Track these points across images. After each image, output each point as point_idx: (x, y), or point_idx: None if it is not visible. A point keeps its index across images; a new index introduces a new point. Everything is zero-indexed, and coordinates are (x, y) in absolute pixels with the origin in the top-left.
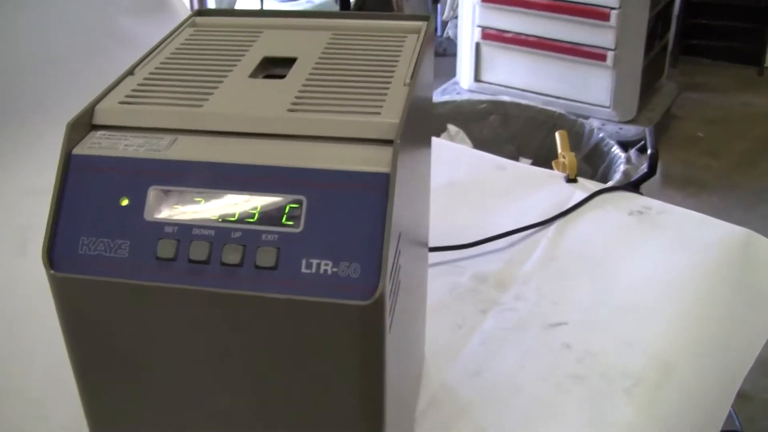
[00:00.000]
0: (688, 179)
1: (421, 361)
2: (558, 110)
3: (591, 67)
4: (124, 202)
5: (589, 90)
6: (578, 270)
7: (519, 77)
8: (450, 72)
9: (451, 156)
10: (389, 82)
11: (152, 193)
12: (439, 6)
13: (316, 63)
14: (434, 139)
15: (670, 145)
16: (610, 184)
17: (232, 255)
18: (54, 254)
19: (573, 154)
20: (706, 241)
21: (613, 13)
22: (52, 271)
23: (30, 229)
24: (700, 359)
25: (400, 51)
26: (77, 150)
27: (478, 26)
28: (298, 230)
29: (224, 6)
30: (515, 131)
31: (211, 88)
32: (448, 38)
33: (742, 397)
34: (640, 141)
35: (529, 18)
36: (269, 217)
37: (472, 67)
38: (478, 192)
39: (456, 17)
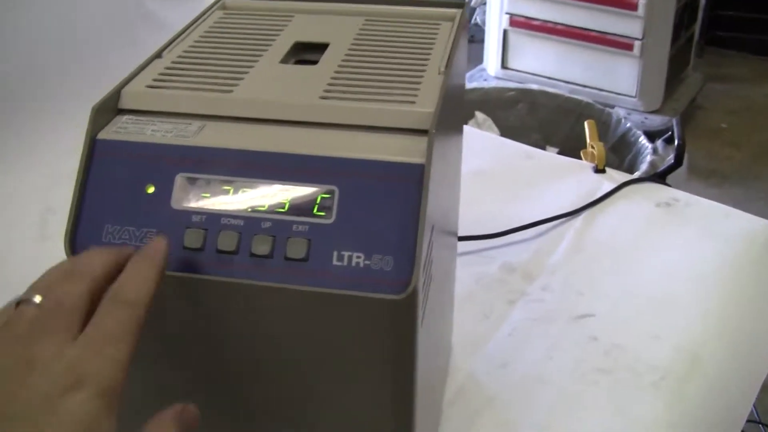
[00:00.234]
0: (711, 170)
1: (448, 351)
2: (585, 99)
3: (618, 56)
4: (150, 190)
5: (615, 79)
6: (605, 261)
7: (546, 65)
8: (477, 58)
9: (478, 144)
10: (424, 70)
11: (179, 180)
12: None
13: (349, 49)
14: None
15: (694, 136)
16: (637, 174)
17: (261, 246)
18: (76, 241)
19: (602, 144)
20: (732, 233)
21: (641, 3)
22: None
23: (51, 213)
24: (726, 352)
25: (434, 38)
26: (102, 135)
27: (507, 13)
28: (330, 221)
29: None
30: (542, 120)
31: (241, 73)
32: (476, 24)
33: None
34: (665, 131)
35: (557, 6)
36: (300, 207)
37: (500, 54)
38: (506, 181)
39: (484, 3)
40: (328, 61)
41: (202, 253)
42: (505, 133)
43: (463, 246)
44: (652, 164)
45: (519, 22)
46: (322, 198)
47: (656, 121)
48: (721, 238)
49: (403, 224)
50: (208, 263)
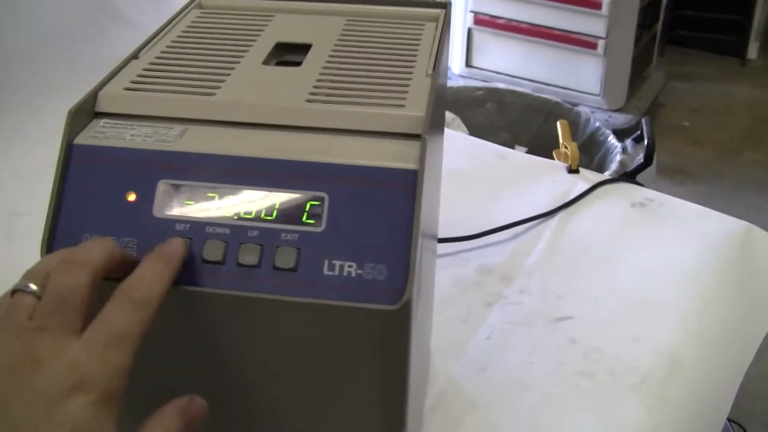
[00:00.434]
0: (675, 168)
1: (428, 356)
2: (554, 98)
3: (582, 55)
4: (131, 197)
5: (579, 78)
6: (582, 263)
7: (510, 64)
8: None
9: (450, 144)
10: (411, 72)
11: (161, 187)
12: None
13: (332, 50)
14: None
15: (658, 134)
16: (607, 174)
17: (249, 255)
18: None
19: (575, 144)
20: (708, 234)
21: (605, 2)
22: None
23: (16, 214)
24: (706, 353)
25: (419, 39)
26: (79, 139)
27: (471, 11)
28: (320, 229)
29: None
30: (511, 119)
31: (222, 75)
32: None
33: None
34: (629, 129)
35: (521, 4)
36: (289, 215)
37: (464, 52)
38: (480, 181)
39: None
40: (312, 62)
41: (187, 264)
42: (474, 132)
43: (439, 248)
44: (621, 163)
45: (483, 20)
46: (312, 205)
47: (620, 119)
48: (697, 239)
49: (396, 232)
50: (193, 274)
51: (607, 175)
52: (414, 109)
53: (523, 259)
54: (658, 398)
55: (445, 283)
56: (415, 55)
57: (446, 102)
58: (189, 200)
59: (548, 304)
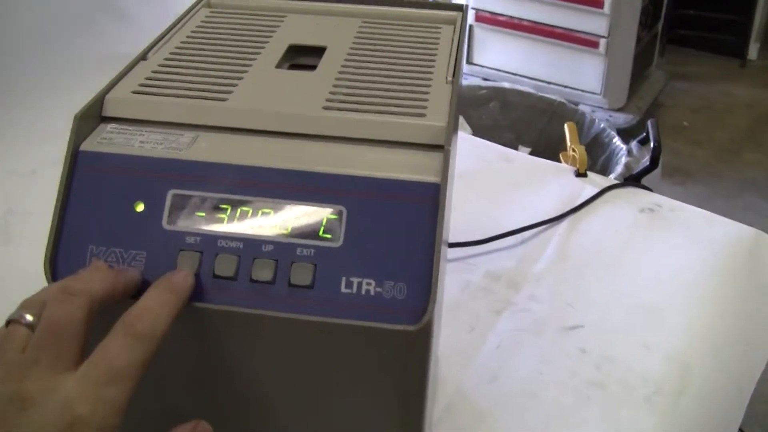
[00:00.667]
0: (675, 168)
1: (438, 365)
2: (558, 98)
3: (583, 54)
4: (140, 208)
5: (581, 76)
6: (591, 269)
7: (511, 61)
8: None
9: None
10: (430, 78)
11: (172, 197)
12: None
13: (348, 54)
14: None
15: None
16: (612, 176)
17: (262, 271)
18: (58, 265)
19: (583, 147)
20: (718, 240)
21: (607, 1)
22: None
23: (12, 214)
24: (717, 362)
25: (436, 43)
26: (86, 146)
27: (472, 8)
28: (337, 245)
29: None
30: (515, 119)
31: (234, 78)
32: None
33: None
34: (629, 129)
35: (523, 2)
36: (305, 229)
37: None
38: (486, 184)
39: None
40: (327, 66)
41: (198, 279)
42: (477, 132)
43: (447, 253)
44: (627, 166)
45: (485, 17)
46: (329, 219)
47: (620, 119)
48: (706, 246)
49: (417, 248)
50: (204, 289)
51: (612, 177)
52: (435, 118)
53: (532, 265)
54: (670, 409)
55: (453, 289)
56: (433, 60)
57: (461, 105)
58: (200, 212)
59: (558, 312)
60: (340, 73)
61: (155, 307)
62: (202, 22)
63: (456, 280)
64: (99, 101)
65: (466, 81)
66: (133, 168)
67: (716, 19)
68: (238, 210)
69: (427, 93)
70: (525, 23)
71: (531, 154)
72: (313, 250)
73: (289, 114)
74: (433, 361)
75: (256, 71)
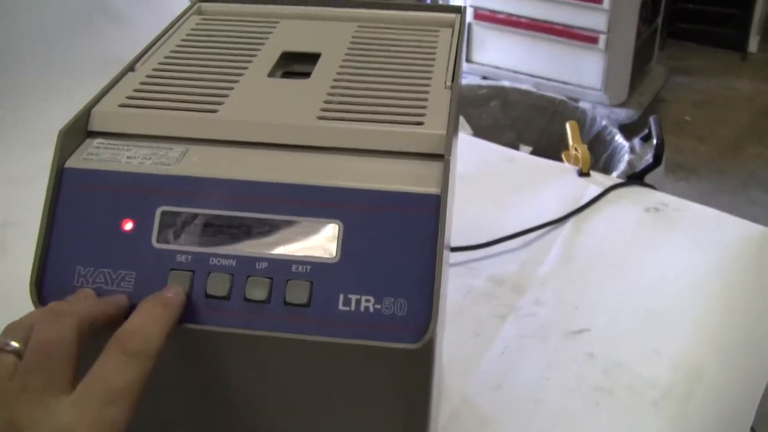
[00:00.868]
0: (678, 164)
1: (441, 372)
2: (559, 97)
3: (583, 50)
4: (128, 226)
5: (581, 73)
6: (597, 271)
7: (510, 59)
8: None
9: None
10: (428, 84)
11: (161, 215)
12: None
13: (343, 60)
14: None
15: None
16: (615, 174)
17: (257, 290)
18: (44, 286)
19: (586, 147)
20: (725, 240)
21: None
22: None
23: (8, 225)
24: (726, 365)
25: (434, 47)
26: (71, 162)
27: (471, 6)
28: (334, 261)
29: None
30: (516, 118)
31: (225, 89)
32: None
33: None
34: (631, 125)
35: None
36: (300, 245)
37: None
38: (488, 186)
39: None
40: (322, 73)
41: (190, 299)
42: (477, 131)
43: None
44: (629, 164)
45: (483, 15)
46: (325, 234)
47: (621, 114)
48: (714, 245)
49: (417, 262)
50: (196, 310)
51: (615, 176)
52: (434, 126)
53: (536, 268)
54: (679, 414)
55: (456, 295)
56: (431, 65)
57: (461, 108)
58: (191, 229)
59: (563, 316)
60: (335, 80)
61: (148, 323)
62: (192, 30)
63: (458, 285)
64: (85, 115)
65: (465, 80)
66: (121, 185)
67: (716, 13)
68: (231, 226)
69: (425, 100)
70: (524, 20)
71: (532, 153)
72: (309, 267)
73: (283, 125)
74: (437, 374)
75: (248, 80)
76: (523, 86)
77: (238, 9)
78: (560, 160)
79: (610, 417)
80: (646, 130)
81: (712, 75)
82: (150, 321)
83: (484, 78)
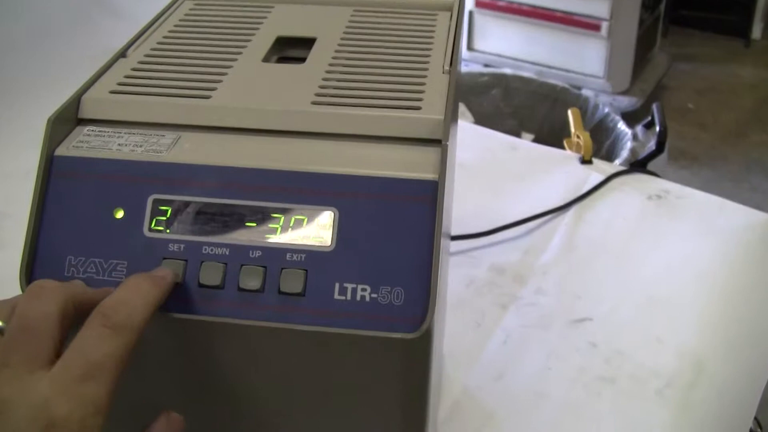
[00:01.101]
0: (680, 151)
1: (442, 364)
2: (561, 84)
3: (585, 37)
4: (119, 214)
5: (583, 60)
6: (599, 260)
7: (512, 47)
8: None
9: (458, 134)
10: (426, 69)
11: (153, 203)
12: None
13: (339, 44)
14: None
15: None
16: (617, 161)
17: (250, 279)
18: (34, 276)
19: (588, 134)
20: (728, 227)
21: None
22: None
23: (5, 216)
24: (730, 352)
25: (432, 31)
26: (61, 150)
27: None
28: (330, 249)
29: None
30: (517, 105)
31: (218, 74)
32: None
33: None
34: (633, 112)
35: None
36: (294, 233)
37: (465, 35)
38: (490, 174)
39: None
40: (317, 58)
41: (182, 288)
42: (479, 119)
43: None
44: (632, 151)
45: (485, 3)
46: (320, 221)
47: (624, 102)
48: (716, 233)
49: (415, 250)
50: (189, 300)
51: (618, 163)
52: (432, 111)
53: (538, 257)
54: (683, 403)
55: (457, 284)
56: (429, 49)
57: (460, 93)
58: (183, 217)
59: (565, 305)
60: (330, 65)
61: (133, 297)
62: (186, 15)
63: (459, 274)
64: (75, 102)
65: (466, 68)
66: (112, 173)
67: None
68: (224, 214)
69: (423, 84)
70: (525, 8)
71: (534, 140)
72: (303, 255)
73: (277, 110)
74: (436, 364)
75: (242, 66)
76: (525, 74)
77: None
78: (562, 147)
79: (613, 406)
80: (649, 118)
81: (715, 62)
82: (135, 295)
83: (486, 66)
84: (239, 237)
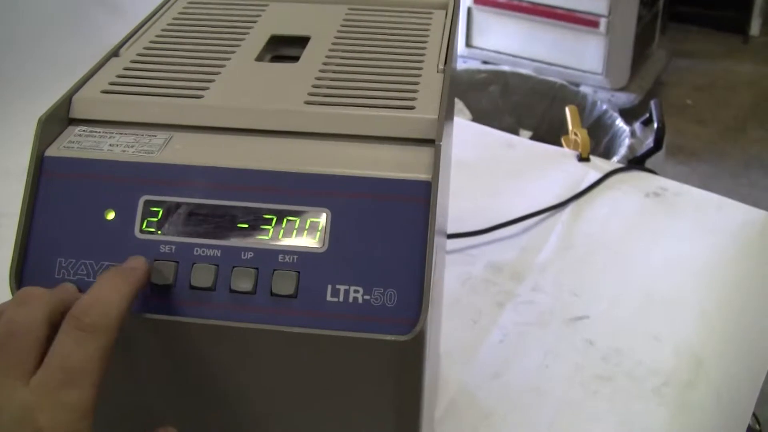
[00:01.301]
0: (679, 147)
1: (438, 363)
2: (559, 81)
3: (584, 34)
4: (110, 216)
5: (582, 57)
6: (597, 257)
7: (511, 43)
8: None
9: (454, 132)
10: (420, 68)
11: (144, 204)
12: None
13: (333, 43)
14: None
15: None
16: (615, 158)
17: (242, 281)
18: (24, 279)
19: (585, 131)
20: (726, 225)
21: None
22: None
23: (4, 216)
24: (729, 351)
25: (427, 29)
26: (51, 151)
27: None
28: (322, 250)
29: None
30: (515, 102)
31: (211, 74)
32: None
33: None
34: (632, 109)
35: None
36: (286, 234)
37: (464, 32)
38: (487, 172)
39: None
40: (311, 57)
41: (173, 290)
42: (477, 116)
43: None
44: (630, 148)
45: None
46: (312, 223)
47: (622, 98)
48: (715, 231)
49: (408, 251)
50: (180, 302)
51: (616, 160)
52: (425, 110)
53: (535, 255)
54: (681, 402)
55: (453, 282)
56: (424, 48)
57: (455, 93)
58: (175, 218)
59: (563, 303)
60: (324, 64)
61: (104, 295)
62: (179, 13)
63: (456, 272)
64: (66, 102)
65: (465, 64)
66: (103, 173)
67: None
68: (215, 215)
69: (416, 84)
70: (524, 4)
71: (532, 138)
72: (295, 257)
73: (269, 110)
74: (431, 365)
75: (235, 65)
76: (523, 71)
77: None
78: (560, 145)
79: (611, 405)
80: (647, 114)
81: (714, 58)
82: (107, 293)
83: (485, 63)
84: (231, 238)
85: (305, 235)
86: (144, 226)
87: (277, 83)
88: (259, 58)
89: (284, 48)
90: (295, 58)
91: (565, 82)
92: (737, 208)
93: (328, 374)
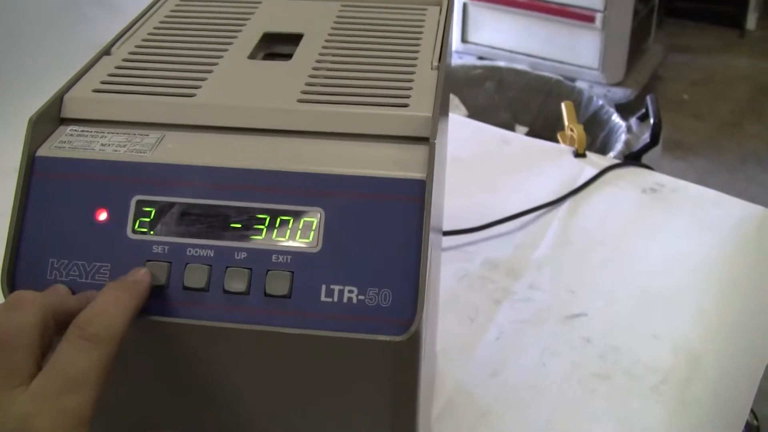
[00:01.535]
0: (676, 142)
1: (434, 362)
2: (555, 76)
3: (579, 29)
4: (102, 216)
5: (577, 52)
6: (594, 254)
7: (507, 39)
8: None
9: (450, 128)
10: (414, 65)
11: (136, 204)
12: None
13: (326, 40)
14: None
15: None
16: (612, 154)
17: (236, 281)
18: (16, 280)
19: (581, 127)
20: (723, 221)
21: None
22: None
23: (4, 216)
24: (727, 347)
25: (421, 26)
26: (43, 151)
27: None
28: (316, 250)
29: None
30: (511, 98)
31: (203, 72)
32: None
33: None
34: (628, 104)
35: None
36: (280, 234)
37: (459, 27)
38: (483, 168)
39: None
40: (304, 55)
41: (167, 291)
42: (472, 112)
43: (442, 241)
44: (626, 143)
45: None
46: (306, 222)
47: (618, 93)
48: (712, 226)
49: (403, 251)
50: (173, 303)
51: (612, 156)
52: (419, 108)
53: (531, 252)
54: (679, 399)
55: (450, 280)
56: (418, 45)
57: (450, 90)
58: (167, 218)
59: (560, 300)
60: (317, 62)
61: (109, 307)
62: (171, 11)
63: (453, 269)
64: (57, 102)
65: (460, 60)
66: (95, 173)
67: None
68: (208, 215)
69: (410, 81)
70: None
71: (528, 133)
72: (289, 257)
73: (262, 109)
74: (427, 364)
75: (228, 63)
76: (519, 66)
77: None
78: (556, 140)
79: (609, 403)
80: (644, 110)
81: (710, 53)
82: (111, 305)
83: (480, 58)
84: (224, 238)
85: (299, 234)
86: (136, 226)
87: (269, 81)
88: (252, 56)
89: (277, 45)
90: (288, 56)
91: (560, 78)
92: (734, 204)
93: (323, 375)
